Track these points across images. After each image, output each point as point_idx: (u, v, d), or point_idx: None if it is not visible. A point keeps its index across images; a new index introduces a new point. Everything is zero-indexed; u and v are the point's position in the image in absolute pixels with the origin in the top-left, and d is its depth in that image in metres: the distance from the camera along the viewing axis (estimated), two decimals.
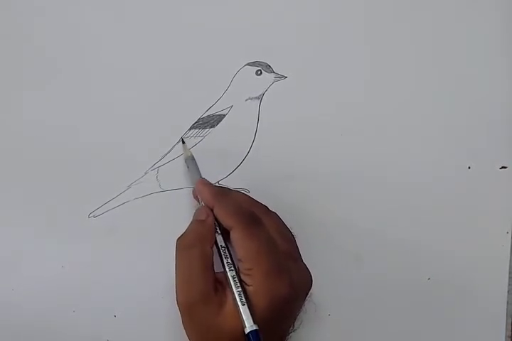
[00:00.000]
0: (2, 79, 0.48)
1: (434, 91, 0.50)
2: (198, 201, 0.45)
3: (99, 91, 0.48)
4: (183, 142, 0.47)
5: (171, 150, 0.47)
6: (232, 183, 0.48)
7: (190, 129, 0.48)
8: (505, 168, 0.50)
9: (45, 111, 0.47)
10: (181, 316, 0.41)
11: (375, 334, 0.49)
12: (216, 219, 0.43)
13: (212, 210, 0.43)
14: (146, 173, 0.47)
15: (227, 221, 0.42)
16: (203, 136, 0.48)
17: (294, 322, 0.45)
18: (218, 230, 0.43)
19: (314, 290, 0.45)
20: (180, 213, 0.47)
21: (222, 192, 0.44)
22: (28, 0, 0.48)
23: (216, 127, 0.48)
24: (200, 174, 0.46)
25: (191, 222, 0.44)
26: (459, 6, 0.50)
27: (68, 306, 0.46)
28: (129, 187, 0.47)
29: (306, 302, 0.44)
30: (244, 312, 0.39)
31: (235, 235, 0.41)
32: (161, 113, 0.48)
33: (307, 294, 0.44)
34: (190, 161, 0.47)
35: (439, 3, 0.50)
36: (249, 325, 0.39)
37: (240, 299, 0.40)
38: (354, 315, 0.48)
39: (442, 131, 0.50)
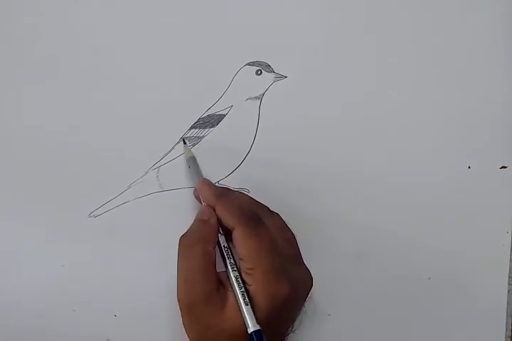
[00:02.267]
0: (2, 79, 0.48)
1: (434, 91, 0.50)
2: (200, 201, 0.45)
3: (100, 91, 0.48)
4: (185, 142, 0.47)
5: (171, 150, 0.47)
6: (232, 183, 0.48)
7: (190, 129, 0.48)
8: (505, 167, 0.50)
9: (45, 111, 0.47)
10: (181, 314, 0.42)
11: (375, 334, 0.49)
12: (218, 219, 0.43)
13: (214, 210, 0.43)
14: (146, 173, 0.47)
15: (229, 220, 0.42)
16: (204, 136, 0.48)
17: (293, 323, 0.45)
18: (221, 230, 0.43)
19: (314, 290, 0.45)
20: (180, 213, 0.47)
21: (224, 192, 0.45)
22: (28, 0, 0.48)
23: (216, 127, 0.48)
24: (202, 174, 0.46)
25: (194, 221, 0.44)
26: (459, 6, 0.50)
27: (68, 305, 0.46)
28: (130, 187, 0.47)
29: (306, 303, 0.44)
30: (248, 312, 0.40)
31: (237, 234, 0.41)
32: (162, 113, 0.48)
33: (307, 295, 0.44)
34: (192, 161, 0.47)
35: (440, 4, 0.50)
36: (252, 325, 0.39)
37: (244, 299, 0.40)
38: (354, 315, 0.48)
39: (442, 131, 0.50)
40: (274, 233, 0.43)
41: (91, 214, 0.47)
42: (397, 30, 0.50)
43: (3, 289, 0.47)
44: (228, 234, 0.43)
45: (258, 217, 0.43)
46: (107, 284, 0.47)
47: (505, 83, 0.50)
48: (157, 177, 0.47)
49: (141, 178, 0.47)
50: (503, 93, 0.50)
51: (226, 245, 0.43)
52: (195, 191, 0.46)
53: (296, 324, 0.45)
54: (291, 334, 0.45)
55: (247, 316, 0.39)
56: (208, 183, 0.45)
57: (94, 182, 0.47)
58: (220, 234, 0.43)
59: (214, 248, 0.42)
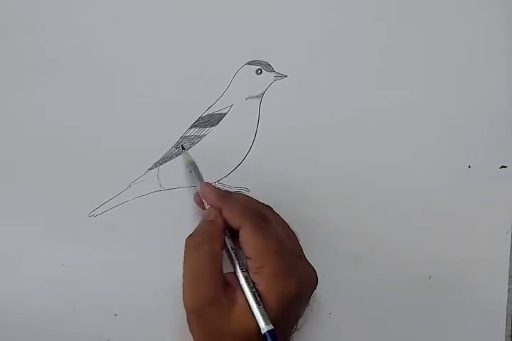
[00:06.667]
0: (2, 78, 0.48)
1: (435, 91, 0.50)
2: (201, 206, 0.45)
3: (100, 90, 0.48)
4: (183, 148, 0.47)
5: (171, 149, 0.47)
6: (232, 182, 0.48)
7: (190, 128, 0.48)
8: (505, 167, 0.50)
9: (44, 111, 0.47)
10: (187, 316, 0.41)
11: (375, 333, 0.49)
12: (224, 220, 0.43)
13: (219, 212, 0.43)
14: (146, 172, 0.47)
15: (235, 220, 0.42)
16: (204, 135, 0.48)
17: (297, 322, 0.44)
18: (227, 232, 0.43)
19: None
20: (180, 212, 0.47)
21: (228, 194, 0.45)
22: (28, 0, 0.48)
23: (216, 126, 0.48)
24: (203, 178, 0.46)
25: (200, 223, 0.44)
26: (460, 6, 0.50)
27: (68, 305, 0.46)
28: (130, 186, 0.47)
29: (310, 301, 0.44)
30: (261, 312, 0.39)
31: (244, 233, 0.41)
32: (162, 112, 0.48)
33: (313, 292, 0.44)
34: (192, 166, 0.46)
35: (441, 4, 0.50)
36: (266, 325, 0.39)
37: (255, 299, 0.40)
38: (355, 313, 0.48)
39: (442, 130, 0.50)
40: (279, 230, 0.43)
41: (91, 214, 0.47)
42: (398, 30, 0.50)
43: (3, 289, 0.46)
44: (234, 236, 0.43)
45: (264, 216, 0.43)
46: (107, 284, 0.46)
47: (506, 83, 0.50)
48: (157, 176, 0.47)
49: (141, 177, 0.47)
50: (504, 93, 0.50)
51: (233, 246, 0.42)
52: (196, 196, 0.46)
53: (300, 322, 0.45)
54: (296, 333, 0.45)
55: (260, 316, 0.39)
56: (210, 186, 0.45)
57: (94, 182, 0.47)
58: (226, 236, 0.43)
59: (221, 249, 0.42)
